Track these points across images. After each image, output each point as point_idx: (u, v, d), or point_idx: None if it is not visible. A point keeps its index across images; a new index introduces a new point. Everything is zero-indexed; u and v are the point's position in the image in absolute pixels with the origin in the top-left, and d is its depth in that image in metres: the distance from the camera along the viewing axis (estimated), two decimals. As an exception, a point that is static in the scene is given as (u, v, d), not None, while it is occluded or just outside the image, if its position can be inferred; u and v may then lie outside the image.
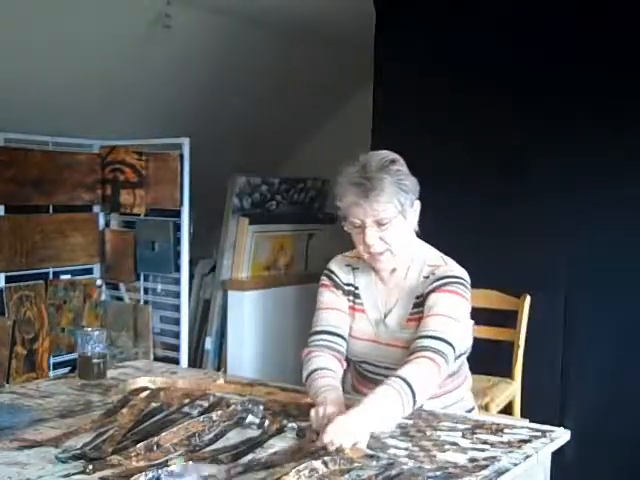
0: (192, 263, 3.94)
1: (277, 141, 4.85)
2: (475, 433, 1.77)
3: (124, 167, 3.77)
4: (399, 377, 1.78)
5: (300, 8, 3.75)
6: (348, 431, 1.62)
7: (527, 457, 1.62)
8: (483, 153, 3.30)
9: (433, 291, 1.97)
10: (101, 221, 3.90)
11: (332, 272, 2.14)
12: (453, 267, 2.03)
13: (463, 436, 1.74)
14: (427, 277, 2.02)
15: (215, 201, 4.21)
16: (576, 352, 3.14)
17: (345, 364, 2.07)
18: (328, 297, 2.11)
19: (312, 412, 1.76)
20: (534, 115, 3.18)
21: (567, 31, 3.10)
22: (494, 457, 1.61)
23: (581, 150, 3.10)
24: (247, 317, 4.15)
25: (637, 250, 3.03)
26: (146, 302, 3.90)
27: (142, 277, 3.89)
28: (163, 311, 3.96)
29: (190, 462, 1.46)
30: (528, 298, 3.14)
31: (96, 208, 3.87)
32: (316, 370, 1.95)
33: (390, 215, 1.93)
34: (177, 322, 3.79)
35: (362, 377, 2.15)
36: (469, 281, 2.02)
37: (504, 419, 2.05)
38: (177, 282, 3.74)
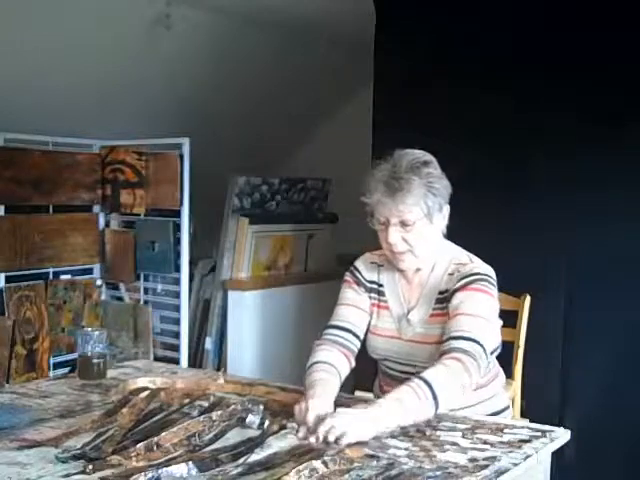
0: (192, 263, 3.94)
1: (277, 141, 4.85)
2: (475, 433, 1.77)
3: (124, 167, 3.76)
4: (420, 378, 1.77)
5: (300, 8, 3.75)
6: (346, 428, 1.62)
7: (527, 457, 1.62)
8: (483, 153, 3.30)
9: (459, 289, 1.96)
10: (101, 221, 3.90)
11: (356, 269, 2.15)
12: (479, 265, 2.02)
13: (463, 436, 1.74)
14: (452, 274, 2.01)
15: (215, 201, 4.21)
16: (576, 352, 3.14)
17: (354, 362, 2.05)
18: (349, 294, 2.12)
19: (296, 406, 1.77)
20: (534, 115, 3.18)
21: (567, 31, 3.10)
22: (494, 457, 1.61)
23: (582, 150, 3.10)
24: (247, 317, 4.15)
25: (637, 250, 3.03)
26: (146, 302, 3.90)
27: (142, 277, 3.88)
28: (163, 311, 3.96)
29: (164, 469, 1.45)
30: (528, 298, 3.14)
31: (96, 208, 3.86)
32: (317, 363, 1.96)
33: (415, 217, 1.92)
34: (177, 322, 3.78)
35: (386, 376, 2.14)
36: (495, 279, 2.01)
37: (504, 419, 2.05)
38: (177, 282, 3.74)
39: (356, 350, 2.07)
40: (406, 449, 1.65)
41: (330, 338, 2.05)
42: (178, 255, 3.70)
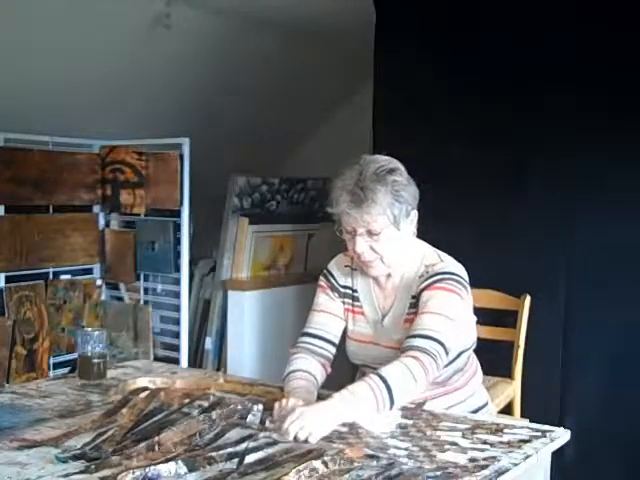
0: (192, 263, 3.94)
1: (277, 141, 4.85)
2: (475, 433, 1.77)
3: (124, 167, 3.76)
4: (377, 374, 1.79)
5: (300, 8, 3.75)
6: (305, 421, 1.66)
7: (527, 457, 1.62)
8: (483, 153, 3.30)
9: (426, 288, 1.96)
10: (101, 221, 3.90)
11: (330, 274, 2.14)
12: (449, 264, 2.02)
13: (463, 436, 1.74)
14: (422, 276, 2.01)
15: (215, 201, 4.21)
16: (576, 352, 3.14)
17: (329, 369, 2.08)
18: (323, 299, 2.13)
19: (275, 404, 1.81)
20: (534, 115, 3.18)
21: (567, 30, 3.10)
22: (494, 457, 1.61)
23: (582, 150, 3.10)
24: (247, 317, 4.15)
25: (637, 250, 3.03)
26: (146, 302, 3.90)
27: (142, 277, 3.88)
28: (163, 311, 3.96)
29: (152, 467, 1.45)
30: (528, 298, 3.14)
31: (96, 208, 3.86)
32: (294, 372, 1.99)
33: (381, 226, 1.92)
34: (177, 322, 3.78)
35: None
36: (465, 277, 2.01)
37: (504, 419, 2.05)
38: (177, 282, 3.74)
39: (331, 357, 2.09)
40: (406, 449, 1.65)
41: (305, 347, 2.07)
42: (178, 255, 3.70)
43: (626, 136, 3.03)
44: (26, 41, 3.27)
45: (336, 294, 2.12)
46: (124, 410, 1.78)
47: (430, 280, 1.97)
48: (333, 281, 2.13)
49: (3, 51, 3.23)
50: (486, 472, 1.52)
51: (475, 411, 2.12)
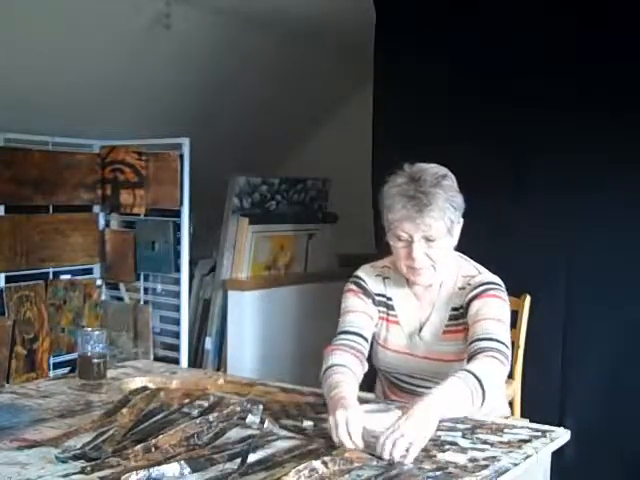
0: (192, 263, 3.94)
1: (277, 141, 4.85)
2: (475, 433, 1.77)
3: (124, 167, 3.77)
4: (466, 370, 1.76)
5: (300, 8, 3.75)
6: (400, 446, 1.57)
7: (527, 457, 1.62)
8: (483, 153, 3.30)
9: (475, 298, 1.96)
10: (101, 221, 3.90)
11: (361, 279, 2.10)
12: (488, 275, 2.03)
13: (463, 436, 1.74)
14: (463, 288, 2.00)
15: (215, 201, 4.21)
16: (576, 352, 3.14)
17: (366, 365, 2.03)
18: (354, 302, 2.08)
19: (330, 420, 1.67)
20: (535, 115, 3.18)
21: (567, 30, 3.10)
22: (494, 457, 1.61)
23: (582, 150, 3.09)
24: (247, 317, 4.15)
25: (637, 250, 3.03)
26: (146, 302, 3.90)
27: (142, 277, 3.88)
28: (163, 311, 3.96)
29: (156, 468, 1.45)
30: (528, 298, 3.14)
31: (96, 208, 3.86)
32: (332, 366, 1.92)
33: (439, 232, 1.91)
34: (177, 322, 3.78)
35: (395, 386, 2.13)
36: (505, 288, 2.02)
37: (504, 419, 2.05)
38: (177, 282, 3.74)
39: (367, 353, 2.04)
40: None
41: (342, 342, 2.01)
42: (178, 255, 3.71)
43: (627, 135, 3.03)
44: (26, 41, 3.27)
45: (370, 300, 2.08)
46: (124, 410, 1.78)
47: (477, 290, 1.97)
48: (366, 287, 2.09)
49: (3, 51, 3.23)
50: (486, 472, 1.52)
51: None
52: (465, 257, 2.09)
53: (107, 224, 3.93)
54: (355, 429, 1.63)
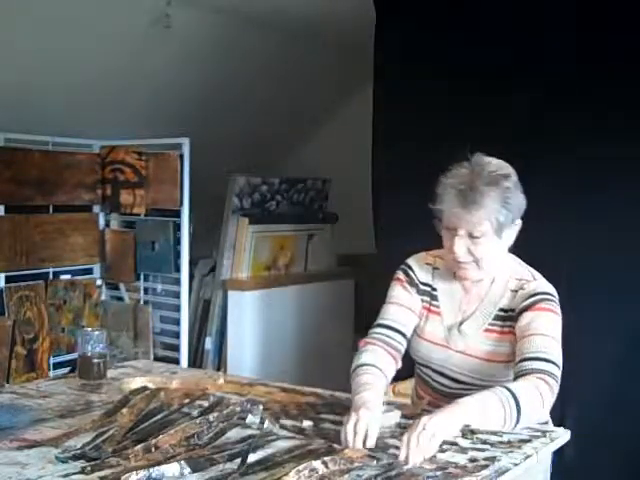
0: (192, 263, 3.94)
1: (277, 141, 4.85)
2: (475, 433, 1.76)
3: (124, 167, 3.77)
4: (508, 390, 1.73)
5: (300, 8, 3.75)
6: (423, 442, 1.57)
7: (527, 457, 1.62)
8: (483, 152, 3.29)
9: (528, 309, 1.90)
10: (101, 221, 3.90)
11: (410, 268, 2.07)
12: (543, 283, 1.97)
13: (463, 436, 1.74)
14: (515, 291, 1.96)
15: (215, 201, 4.21)
16: (576, 352, 3.12)
17: (400, 363, 2.00)
18: (399, 292, 2.04)
19: (344, 425, 1.67)
20: (535, 114, 3.18)
21: (567, 31, 3.10)
22: (494, 457, 1.60)
23: (582, 150, 3.09)
24: (247, 317, 4.15)
25: (637, 250, 3.03)
26: (146, 302, 3.90)
27: (142, 277, 3.88)
28: (163, 311, 3.96)
29: (156, 468, 1.45)
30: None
31: (96, 208, 3.87)
32: (362, 365, 1.90)
33: (484, 231, 1.87)
34: (177, 322, 3.78)
35: (424, 383, 2.10)
36: (558, 297, 1.97)
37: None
38: (177, 282, 3.74)
39: (403, 351, 2.01)
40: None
41: (378, 337, 1.98)
42: (178, 255, 3.71)
43: (628, 135, 3.03)
44: (26, 41, 3.27)
45: (414, 289, 2.04)
46: (124, 410, 1.78)
47: (531, 300, 1.92)
48: (413, 275, 2.05)
49: (3, 51, 3.23)
50: (486, 472, 1.52)
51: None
52: (520, 261, 2.04)
53: (107, 224, 3.93)
54: (361, 429, 1.63)
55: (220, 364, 4.23)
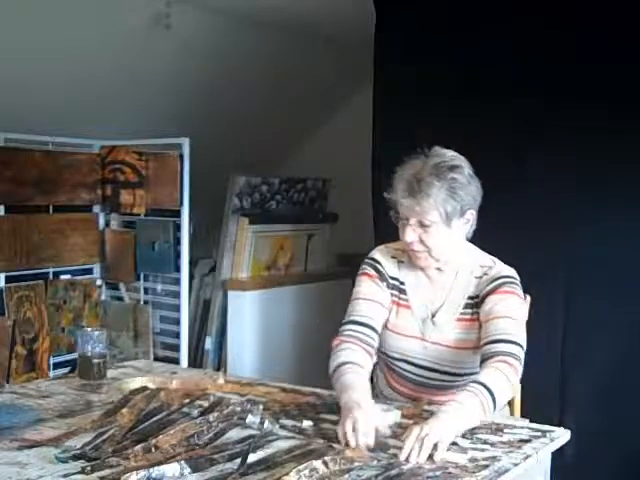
0: (192, 263, 3.94)
1: (277, 141, 4.85)
2: (475, 433, 1.77)
3: (124, 167, 3.77)
4: (478, 382, 1.78)
5: (300, 8, 3.75)
6: (426, 445, 1.59)
7: (527, 457, 1.62)
8: (483, 153, 3.28)
9: (491, 293, 1.97)
10: (101, 221, 3.90)
11: (378, 262, 2.09)
12: (504, 267, 2.05)
13: (463, 436, 1.74)
14: (480, 277, 2.02)
15: (215, 201, 4.21)
16: (576, 352, 3.14)
17: (375, 358, 2.03)
18: (369, 287, 2.06)
19: (342, 425, 1.69)
20: (534, 115, 3.18)
21: (568, 31, 3.10)
22: (494, 457, 1.61)
23: (582, 149, 3.10)
24: (247, 317, 4.15)
25: (637, 250, 3.03)
26: (146, 302, 3.90)
27: (142, 277, 3.88)
28: (163, 311, 3.96)
29: (156, 468, 1.45)
30: (528, 298, 3.14)
31: (96, 208, 3.86)
32: (343, 364, 1.91)
33: (432, 220, 1.92)
34: (177, 322, 3.78)
35: (399, 376, 2.13)
36: (519, 280, 2.03)
37: (504, 419, 2.05)
38: (177, 282, 3.74)
39: (376, 346, 2.03)
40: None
41: (352, 334, 2.00)
42: (178, 255, 3.70)
43: (627, 134, 3.03)
44: (26, 41, 3.27)
45: (384, 284, 2.07)
46: (124, 410, 1.78)
47: (493, 284, 1.99)
48: (382, 269, 2.08)
49: (3, 51, 3.23)
50: (486, 472, 1.52)
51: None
52: (481, 250, 2.10)
53: (107, 224, 3.93)
54: (363, 428, 1.65)
55: (220, 364, 4.23)
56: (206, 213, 4.15)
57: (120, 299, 4.04)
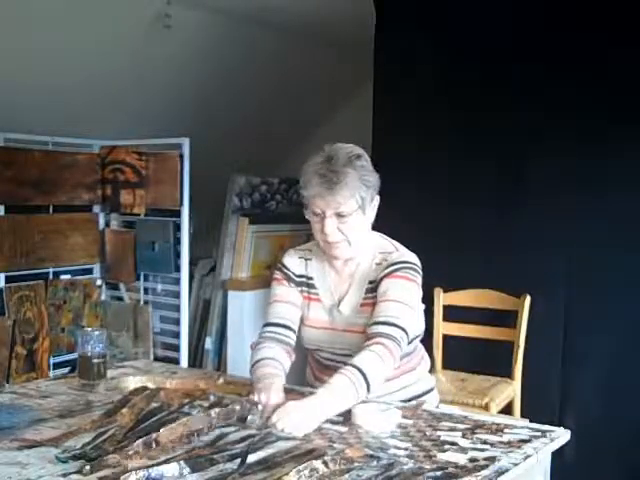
0: (192, 263, 3.94)
1: (277, 141, 4.85)
2: (475, 433, 1.77)
3: (124, 167, 3.77)
4: (353, 366, 1.86)
5: (300, 8, 3.75)
6: (293, 417, 1.72)
7: (527, 457, 1.62)
8: (483, 153, 3.30)
9: (386, 277, 2.03)
10: (101, 221, 3.90)
11: (284, 266, 2.22)
12: (404, 253, 2.09)
13: (463, 436, 1.74)
14: (380, 263, 2.08)
15: (215, 201, 4.21)
16: (576, 352, 3.14)
17: (294, 356, 2.14)
18: (280, 290, 2.20)
19: (260, 398, 1.85)
20: (534, 116, 3.18)
21: (568, 31, 3.10)
22: (494, 457, 1.61)
23: (582, 150, 3.10)
24: (247, 317, 4.15)
25: (637, 250, 3.03)
26: (146, 302, 3.90)
27: (142, 277, 3.89)
28: (163, 311, 3.96)
29: (155, 468, 1.45)
30: (528, 298, 3.15)
31: (96, 208, 3.87)
32: (261, 360, 2.03)
33: (350, 209, 1.98)
34: (177, 322, 3.79)
35: (320, 365, 2.21)
36: (420, 266, 2.08)
37: (504, 419, 2.05)
38: (177, 282, 3.75)
39: (294, 344, 2.14)
40: (406, 449, 1.65)
41: (269, 336, 2.12)
42: (178, 255, 3.71)
43: (627, 135, 3.03)
44: (26, 41, 3.27)
45: (292, 284, 2.18)
46: (124, 410, 1.78)
47: (390, 269, 2.04)
48: (288, 272, 2.20)
49: (3, 51, 3.23)
50: (486, 472, 1.52)
51: (419, 395, 2.18)
52: (385, 237, 2.16)
53: (107, 224, 3.93)
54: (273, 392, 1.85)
55: (220, 364, 4.23)
56: (206, 213, 4.15)
57: (120, 299, 4.04)
